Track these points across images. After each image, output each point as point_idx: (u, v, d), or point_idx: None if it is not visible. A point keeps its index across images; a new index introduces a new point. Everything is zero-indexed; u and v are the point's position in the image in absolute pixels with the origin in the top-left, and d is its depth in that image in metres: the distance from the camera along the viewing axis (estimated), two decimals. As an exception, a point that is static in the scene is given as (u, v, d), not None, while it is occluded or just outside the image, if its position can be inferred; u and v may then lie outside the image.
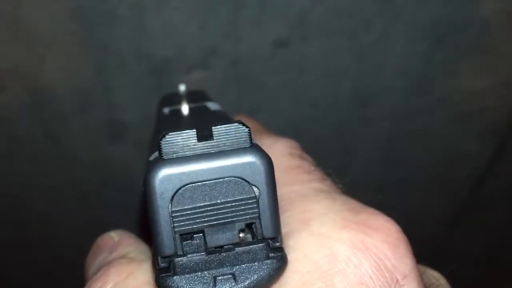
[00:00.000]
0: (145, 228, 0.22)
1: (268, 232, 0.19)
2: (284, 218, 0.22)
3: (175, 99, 0.37)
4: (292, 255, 0.20)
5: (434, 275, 0.25)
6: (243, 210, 0.19)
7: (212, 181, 0.19)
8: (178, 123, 0.26)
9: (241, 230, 0.19)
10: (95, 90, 0.47)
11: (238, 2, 0.45)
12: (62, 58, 0.45)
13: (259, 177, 0.19)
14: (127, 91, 0.48)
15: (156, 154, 0.20)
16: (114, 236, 0.27)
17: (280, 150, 0.27)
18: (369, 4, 0.46)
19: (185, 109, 0.32)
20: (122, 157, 0.50)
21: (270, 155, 0.23)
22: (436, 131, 0.55)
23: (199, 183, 0.19)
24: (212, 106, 0.32)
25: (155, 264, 0.20)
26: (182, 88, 0.39)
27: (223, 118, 0.25)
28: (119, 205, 0.53)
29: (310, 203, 0.23)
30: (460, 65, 0.51)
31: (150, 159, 0.20)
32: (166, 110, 0.32)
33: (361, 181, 0.54)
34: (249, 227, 0.19)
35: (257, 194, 0.19)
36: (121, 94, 0.48)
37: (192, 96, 0.37)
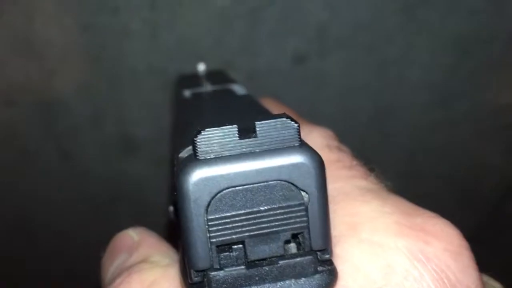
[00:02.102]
0: (175, 231, 0.19)
1: (317, 243, 0.17)
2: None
3: (194, 79, 0.34)
4: (341, 267, 0.18)
5: (496, 286, 0.23)
6: (289, 218, 0.16)
7: (255, 185, 0.16)
8: (205, 110, 0.24)
9: (286, 241, 0.17)
10: (108, 105, 0.47)
11: (255, 16, 0.44)
12: (74, 73, 0.45)
13: (310, 181, 0.16)
14: (140, 106, 0.47)
15: (189, 150, 0.17)
16: (133, 235, 0.24)
17: (316, 141, 0.25)
18: (391, 17, 0.46)
19: (208, 92, 0.30)
20: (134, 172, 0.50)
21: None
22: (460, 146, 0.54)
23: (240, 187, 0.16)
24: (238, 89, 0.29)
25: (185, 276, 0.17)
26: (201, 67, 0.37)
27: (257, 107, 0.22)
28: (131, 219, 0.52)
29: (357, 204, 0.20)
30: (486, 79, 0.50)
31: (181, 155, 0.18)
32: (187, 93, 0.30)
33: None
34: (295, 237, 0.17)
35: (306, 200, 0.16)
36: (134, 109, 0.47)
37: (213, 77, 0.34)
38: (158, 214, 0.52)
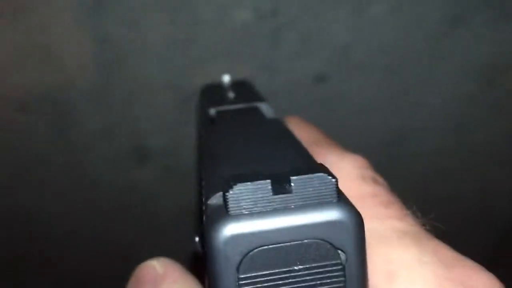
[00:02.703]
0: (200, 263, 0.18)
1: None
2: None
3: (219, 93, 0.33)
4: None
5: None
6: (325, 278, 0.15)
7: (289, 244, 0.15)
8: (233, 142, 0.23)
9: (322, 302, 0.16)
10: (122, 117, 0.47)
11: (278, 35, 0.44)
12: (90, 84, 0.45)
13: (347, 239, 0.15)
14: (155, 119, 0.47)
15: (219, 198, 0.16)
16: (157, 267, 0.23)
17: (348, 170, 0.23)
18: (415, 43, 0.45)
19: (234, 111, 0.29)
20: (145, 182, 0.50)
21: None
22: (475, 171, 0.53)
23: (273, 246, 0.15)
24: (265, 110, 0.28)
25: None
26: (226, 79, 0.36)
27: (292, 143, 0.21)
28: (141, 229, 0.52)
29: (394, 250, 0.19)
30: (507, 108, 0.49)
31: (210, 202, 0.17)
32: (212, 111, 0.29)
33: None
34: None
35: (343, 259, 0.15)
36: (149, 122, 0.47)
37: (239, 92, 0.33)
38: (169, 224, 0.52)
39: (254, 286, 0.15)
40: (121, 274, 0.24)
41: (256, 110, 0.28)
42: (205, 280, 0.18)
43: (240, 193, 0.15)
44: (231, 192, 0.15)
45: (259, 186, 0.15)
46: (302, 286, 0.15)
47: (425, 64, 0.47)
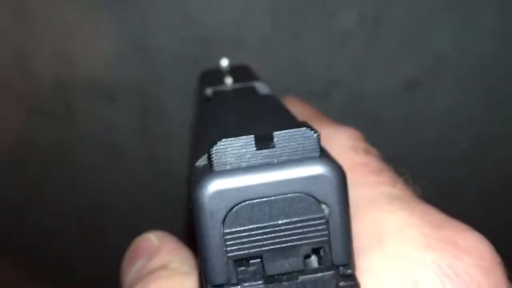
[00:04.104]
0: (192, 239, 0.19)
1: (339, 258, 0.16)
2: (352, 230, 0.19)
3: (217, 75, 0.33)
4: (365, 281, 0.17)
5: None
6: (309, 232, 0.16)
7: (273, 198, 0.15)
8: (224, 113, 0.23)
9: (306, 256, 0.16)
10: None
11: (375, 39, 0.45)
12: (178, 82, 0.46)
13: (330, 193, 0.15)
14: None
15: (205, 159, 0.17)
16: (153, 239, 0.24)
17: (341, 142, 0.24)
18: None
19: (230, 90, 0.29)
20: None
21: (330, 148, 0.20)
22: None
23: (257, 200, 0.15)
24: (261, 87, 0.28)
25: None
26: (224, 63, 0.36)
27: (280, 111, 0.21)
28: None
29: (383, 214, 0.19)
30: None
31: (197, 164, 0.17)
32: (208, 91, 0.29)
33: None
34: (316, 252, 0.16)
35: (326, 213, 0.16)
36: None
37: (237, 74, 0.33)
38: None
39: (240, 240, 0.15)
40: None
41: (252, 89, 0.28)
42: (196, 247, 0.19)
43: (224, 149, 0.15)
44: (215, 147, 0.15)
45: (243, 141, 0.15)
46: (287, 240, 0.16)
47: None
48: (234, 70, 0.35)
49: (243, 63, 0.40)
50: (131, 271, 0.23)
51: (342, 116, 0.47)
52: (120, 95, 0.47)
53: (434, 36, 0.45)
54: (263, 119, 0.20)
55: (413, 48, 0.45)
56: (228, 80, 0.32)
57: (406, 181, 0.22)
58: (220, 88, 0.29)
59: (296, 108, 0.27)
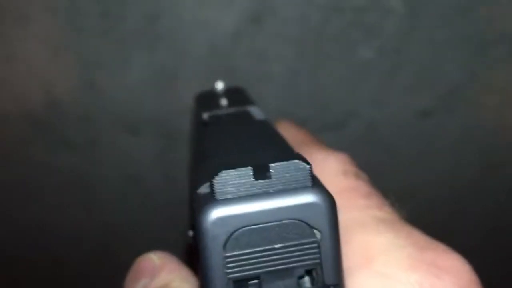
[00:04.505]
0: (193, 255, 0.20)
1: (329, 279, 0.17)
2: (342, 251, 0.20)
3: (213, 98, 0.35)
4: None
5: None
6: (303, 255, 0.17)
7: (269, 224, 0.17)
8: (222, 140, 0.24)
9: (300, 277, 0.17)
10: None
11: (393, 71, 0.47)
12: None
13: (321, 220, 0.17)
14: None
15: (207, 187, 0.18)
16: (155, 258, 0.25)
17: (332, 167, 0.25)
18: None
19: (226, 115, 0.30)
20: None
21: (321, 172, 0.21)
22: None
23: (255, 226, 0.17)
24: (255, 112, 0.30)
25: None
26: (220, 86, 0.37)
27: (275, 139, 0.23)
28: None
29: (371, 236, 0.21)
30: None
31: (199, 192, 0.19)
32: (205, 116, 0.31)
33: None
34: (309, 273, 0.17)
35: (318, 237, 0.17)
36: None
37: (232, 97, 0.35)
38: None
39: (239, 263, 0.17)
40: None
41: (247, 113, 0.30)
42: (197, 267, 0.20)
43: (225, 179, 0.17)
44: (217, 178, 0.17)
45: (242, 172, 0.17)
46: (282, 262, 0.17)
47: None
48: (229, 93, 0.36)
49: (238, 85, 0.41)
50: None
51: (359, 144, 0.50)
52: (144, 127, 0.48)
53: (448, 67, 0.48)
54: (259, 148, 0.21)
55: (428, 79, 0.48)
56: (223, 102, 0.33)
57: (392, 205, 0.23)
58: (216, 112, 0.31)
59: (289, 132, 0.28)
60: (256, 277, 0.17)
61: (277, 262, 0.17)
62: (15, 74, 0.47)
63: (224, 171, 0.17)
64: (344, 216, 0.22)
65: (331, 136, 0.49)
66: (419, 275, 0.19)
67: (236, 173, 0.17)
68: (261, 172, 0.17)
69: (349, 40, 0.46)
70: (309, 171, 0.17)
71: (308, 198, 0.17)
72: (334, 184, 0.24)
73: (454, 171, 0.52)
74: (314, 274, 0.17)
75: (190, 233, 0.21)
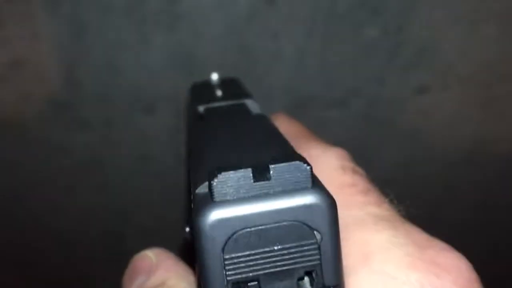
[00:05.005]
0: (190, 252, 0.20)
1: (329, 280, 0.17)
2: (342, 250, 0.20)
3: (208, 90, 0.34)
4: None
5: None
6: (302, 256, 0.17)
7: (269, 226, 0.17)
8: (219, 137, 0.24)
9: (300, 278, 0.17)
10: None
11: (394, 50, 0.49)
12: None
13: (321, 221, 0.17)
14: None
15: (205, 187, 0.18)
16: (152, 256, 0.25)
17: (330, 162, 0.25)
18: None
19: (222, 108, 0.30)
20: None
21: (318, 168, 0.21)
22: None
23: (255, 228, 0.17)
24: (251, 105, 0.30)
25: None
26: (214, 77, 0.37)
27: (273, 135, 0.23)
28: None
29: (369, 233, 0.21)
30: None
31: (197, 192, 0.18)
32: (201, 109, 0.30)
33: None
34: (308, 274, 0.17)
35: (318, 239, 0.17)
36: None
37: (227, 89, 0.34)
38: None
39: (238, 265, 0.17)
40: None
41: (243, 106, 0.30)
42: (195, 266, 0.20)
43: (224, 181, 0.17)
44: (215, 180, 0.16)
45: (241, 174, 0.17)
46: (281, 264, 0.17)
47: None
48: (224, 84, 0.36)
49: (233, 76, 0.41)
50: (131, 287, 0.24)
51: (361, 121, 0.52)
52: (160, 107, 0.49)
53: (444, 47, 0.50)
54: (258, 146, 0.21)
55: (426, 58, 0.49)
56: (219, 93, 0.33)
57: (391, 201, 0.23)
58: (212, 105, 0.31)
59: (285, 126, 0.28)
60: (256, 279, 0.17)
61: (276, 263, 0.17)
62: (38, 54, 0.47)
63: (223, 173, 0.16)
64: (343, 213, 0.22)
65: (335, 112, 0.51)
66: (419, 274, 0.19)
67: (235, 174, 0.17)
68: (260, 173, 0.17)
69: (356, 20, 0.48)
70: (310, 172, 0.17)
71: (308, 199, 0.17)
72: (332, 180, 0.24)
73: (447, 145, 0.54)
74: (313, 275, 0.17)
75: (187, 228, 0.21)
